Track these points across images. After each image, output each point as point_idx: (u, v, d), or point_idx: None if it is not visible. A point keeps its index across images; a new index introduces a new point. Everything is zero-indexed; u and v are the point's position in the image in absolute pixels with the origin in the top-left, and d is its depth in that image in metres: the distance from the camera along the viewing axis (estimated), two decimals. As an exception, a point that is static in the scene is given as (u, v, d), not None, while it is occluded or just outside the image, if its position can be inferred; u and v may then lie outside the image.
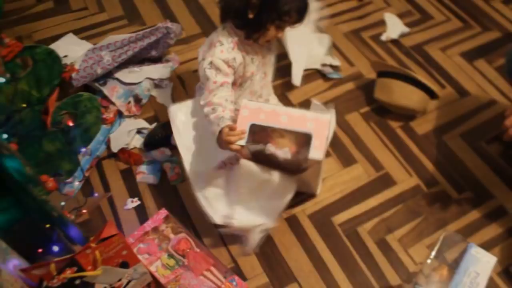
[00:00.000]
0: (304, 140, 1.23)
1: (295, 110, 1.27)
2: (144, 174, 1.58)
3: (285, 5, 1.25)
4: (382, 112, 1.81)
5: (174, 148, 1.58)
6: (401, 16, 2.23)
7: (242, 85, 1.43)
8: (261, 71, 1.45)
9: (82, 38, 1.99)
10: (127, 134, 1.64)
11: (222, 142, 1.23)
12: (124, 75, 1.73)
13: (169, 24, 1.70)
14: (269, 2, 1.25)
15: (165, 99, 1.79)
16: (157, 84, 1.80)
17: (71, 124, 1.34)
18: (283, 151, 1.22)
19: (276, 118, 1.24)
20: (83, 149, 1.42)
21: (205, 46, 1.39)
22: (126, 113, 1.70)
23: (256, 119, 1.23)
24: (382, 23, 2.19)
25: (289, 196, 1.34)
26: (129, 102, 1.72)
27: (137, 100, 1.74)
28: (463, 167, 1.67)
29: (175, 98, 1.80)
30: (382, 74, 1.78)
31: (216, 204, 1.39)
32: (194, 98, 1.47)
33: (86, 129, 1.40)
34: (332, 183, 1.60)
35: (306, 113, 1.25)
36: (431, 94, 1.74)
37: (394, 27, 2.17)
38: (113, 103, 1.69)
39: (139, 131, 1.67)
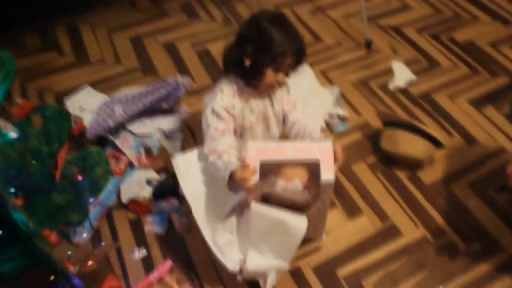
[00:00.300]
0: (312, 168, 1.28)
1: (299, 143, 1.36)
2: (152, 224, 1.62)
3: (279, 47, 1.30)
4: (388, 162, 1.83)
5: (182, 199, 1.61)
6: (408, 63, 2.27)
7: (243, 135, 1.47)
8: (263, 123, 1.49)
9: (99, 90, 2.09)
10: (137, 184, 1.69)
11: (235, 183, 1.26)
12: (136, 126, 1.81)
13: (179, 78, 1.78)
14: (263, 46, 1.31)
15: (175, 149, 1.85)
16: (168, 135, 1.87)
17: (80, 177, 1.40)
18: (293, 183, 1.27)
19: (282, 152, 1.30)
20: (92, 199, 1.48)
21: (209, 95, 1.45)
22: (137, 164, 1.76)
23: (264, 157, 1.28)
24: (389, 71, 2.23)
25: (301, 235, 1.33)
26: (140, 153, 1.78)
27: (148, 151, 1.80)
28: (471, 217, 1.65)
29: (185, 149, 1.86)
30: (387, 124, 1.81)
31: (228, 251, 1.40)
32: (198, 148, 1.51)
33: (95, 182, 1.47)
34: (337, 234, 1.61)
35: (309, 144, 1.34)
36: (437, 143, 1.75)
37: (402, 75, 2.20)
38: (124, 154, 1.75)
39: (149, 182, 1.72)
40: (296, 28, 1.36)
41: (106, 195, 1.64)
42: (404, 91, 2.14)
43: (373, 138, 1.92)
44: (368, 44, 2.36)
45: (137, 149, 1.78)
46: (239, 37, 1.38)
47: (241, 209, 1.41)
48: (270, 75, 1.36)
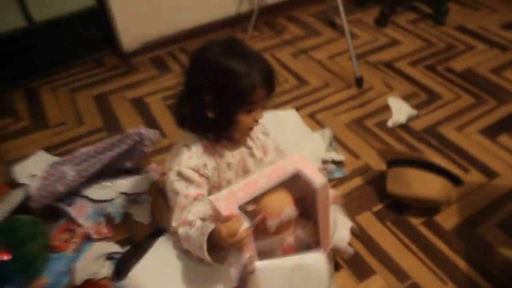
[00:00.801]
0: (295, 186, 1.05)
1: (265, 169, 1.05)
2: (112, 311, 1.29)
3: (246, 82, 1.03)
4: (398, 209, 1.52)
5: None
6: (406, 98, 2.03)
7: None
8: (243, 178, 1.20)
9: (57, 154, 1.81)
10: (95, 261, 1.37)
11: (220, 247, 0.97)
12: (93, 191, 1.52)
13: (142, 130, 1.51)
14: (225, 89, 1.03)
15: (143, 216, 1.55)
16: (133, 199, 1.57)
17: (5, 257, 1.08)
18: (285, 213, 1.03)
19: (254, 186, 1.00)
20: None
21: (171, 153, 1.17)
22: (95, 236, 1.45)
23: (238, 201, 0.98)
24: (386, 108, 1.99)
25: (324, 269, 1.07)
26: (100, 223, 1.47)
27: (110, 220, 1.49)
28: (506, 263, 1.33)
29: (156, 215, 1.56)
30: (393, 163, 1.52)
31: None
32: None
33: (28, 262, 1.14)
34: (346, 303, 1.28)
35: (278, 163, 1.05)
36: (455, 181, 1.46)
37: (400, 111, 1.95)
38: (80, 225, 1.44)
39: (110, 257, 1.39)
40: (253, 48, 1.11)
41: (55, 278, 1.32)
42: (405, 127, 1.88)
43: (376, 183, 1.63)
44: (359, 82, 2.13)
45: (95, 218, 1.48)
46: (190, 87, 1.10)
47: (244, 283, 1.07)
48: (245, 119, 1.09)
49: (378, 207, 1.55)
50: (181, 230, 1.07)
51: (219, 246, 0.98)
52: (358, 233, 1.45)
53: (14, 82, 2.31)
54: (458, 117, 1.92)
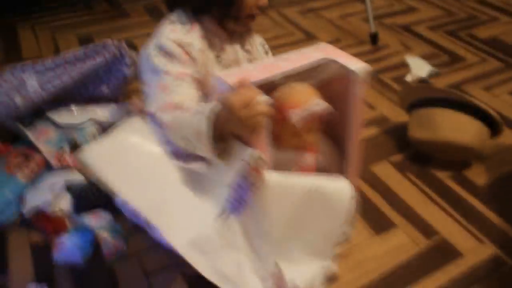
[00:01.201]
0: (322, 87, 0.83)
1: (286, 55, 0.84)
2: (65, 247, 1.02)
3: None
4: (421, 160, 1.29)
5: (118, 212, 1.00)
6: (425, 58, 1.80)
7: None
8: None
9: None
10: (50, 191, 1.11)
11: (233, 115, 0.71)
12: (60, 114, 1.26)
13: (124, 45, 1.25)
14: None
15: (116, 148, 1.29)
16: (106, 128, 1.31)
17: None
18: (311, 105, 0.82)
19: (273, 68, 0.79)
20: None
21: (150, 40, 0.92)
22: (56, 164, 1.19)
23: (253, 78, 0.75)
24: (403, 66, 1.76)
25: (349, 201, 0.86)
26: (63, 150, 1.21)
27: (74, 147, 1.23)
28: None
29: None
30: (417, 104, 1.28)
31: (244, 276, 0.83)
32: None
33: None
34: (359, 258, 1.02)
35: (302, 50, 0.86)
36: (493, 128, 1.23)
37: (420, 67, 1.72)
38: (39, 151, 1.18)
39: (69, 188, 1.13)
40: None
41: (0, 207, 1.06)
42: (425, 82, 1.65)
43: (395, 133, 1.40)
44: (374, 38, 1.90)
45: (58, 144, 1.22)
46: None
47: (237, 201, 0.81)
48: None
49: (397, 157, 1.31)
50: (166, 116, 0.82)
51: (222, 132, 0.75)
52: (373, 182, 1.20)
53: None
54: (485, 78, 1.70)
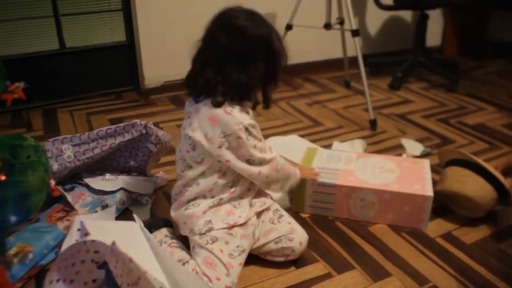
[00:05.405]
0: None
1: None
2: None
3: (284, 57, 1.14)
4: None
5: None
6: (419, 141, 2.03)
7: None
8: None
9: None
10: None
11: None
12: (95, 181, 1.46)
13: (150, 124, 1.48)
14: (278, 59, 1.13)
15: (143, 214, 1.47)
16: (135, 198, 1.51)
17: (2, 177, 0.97)
18: None
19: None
20: (14, 218, 1.02)
21: (199, 129, 1.19)
22: (92, 221, 1.37)
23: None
24: (399, 147, 1.98)
25: None
26: (95, 212, 1.40)
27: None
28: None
29: (157, 214, 1.49)
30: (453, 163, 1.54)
31: None
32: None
33: (23, 195, 1.03)
34: (359, 300, 1.16)
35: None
36: (502, 196, 1.44)
37: (414, 147, 1.94)
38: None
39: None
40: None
41: (40, 250, 1.22)
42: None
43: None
44: (373, 124, 2.15)
45: (92, 208, 1.40)
46: (229, 53, 1.10)
47: None
48: (258, 92, 1.18)
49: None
50: (279, 158, 1.20)
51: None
52: (372, 240, 1.36)
53: (34, 102, 2.36)
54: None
